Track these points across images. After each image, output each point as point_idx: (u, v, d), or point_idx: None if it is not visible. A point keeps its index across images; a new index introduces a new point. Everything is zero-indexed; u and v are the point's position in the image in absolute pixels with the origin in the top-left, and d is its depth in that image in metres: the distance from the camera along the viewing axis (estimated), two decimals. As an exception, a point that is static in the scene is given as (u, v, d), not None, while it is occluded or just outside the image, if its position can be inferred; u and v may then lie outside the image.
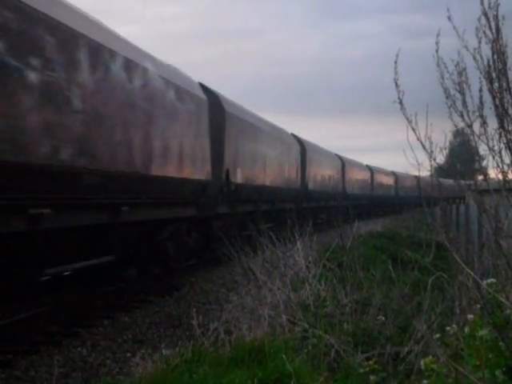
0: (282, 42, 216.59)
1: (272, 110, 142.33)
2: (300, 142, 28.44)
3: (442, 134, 4.41)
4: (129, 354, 8.17)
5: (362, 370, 5.19)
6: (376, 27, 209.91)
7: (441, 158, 4.33)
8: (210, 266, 16.06)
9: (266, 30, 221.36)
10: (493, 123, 3.99)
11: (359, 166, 45.30)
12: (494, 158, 4.00)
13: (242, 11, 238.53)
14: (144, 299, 11.98)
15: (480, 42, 3.90)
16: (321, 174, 31.88)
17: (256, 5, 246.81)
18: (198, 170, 14.45)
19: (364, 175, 45.48)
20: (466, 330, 4.07)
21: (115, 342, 8.93)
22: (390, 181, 54.13)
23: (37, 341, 8.75)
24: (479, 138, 4.05)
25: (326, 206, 32.40)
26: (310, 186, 29.16)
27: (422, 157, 4.28)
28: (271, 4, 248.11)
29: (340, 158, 38.52)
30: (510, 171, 4.00)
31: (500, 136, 3.96)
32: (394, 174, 54.47)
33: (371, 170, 47.52)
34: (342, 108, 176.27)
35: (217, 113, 16.22)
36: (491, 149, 4.00)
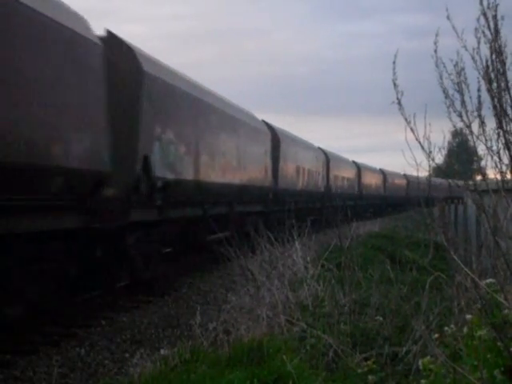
0: (286, 41, 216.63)
1: (273, 111, 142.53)
2: (324, 153, 34.90)
3: (440, 134, 4.42)
4: (127, 355, 8.17)
5: (360, 370, 5.19)
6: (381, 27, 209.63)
7: (439, 158, 4.33)
8: (210, 264, 16.10)
9: (271, 30, 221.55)
10: (491, 123, 3.99)
11: (373, 170, 50.47)
12: (492, 158, 4.00)
13: (245, 11, 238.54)
14: (142, 299, 11.97)
15: (479, 42, 3.90)
16: (341, 178, 38.60)
17: (260, 5, 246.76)
18: (266, 180, 22.74)
19: (377, 178, 50.84)
20: (465, 330, 4.08)
21: (113, 343, 8.93)
22: (401, 182, 58.41)
23: (35, 341, 8.75)
24: (478, 138, 4.05)
25: (344, 205, 34.86)
26: (332, 188, 35.47)
27: (423, 157, 4.28)
28: (276, 3, 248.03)
29: (356, 164, 44.19)
30: (508, 171, 3.99)
31: (498, 136, 3.96)
32: (405, 176, 56.82)
33: (384, 173, 52.77)
34: (345, 108, 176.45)
35: (274, 140, 24.20)
36: (489, 149, 4.00)
